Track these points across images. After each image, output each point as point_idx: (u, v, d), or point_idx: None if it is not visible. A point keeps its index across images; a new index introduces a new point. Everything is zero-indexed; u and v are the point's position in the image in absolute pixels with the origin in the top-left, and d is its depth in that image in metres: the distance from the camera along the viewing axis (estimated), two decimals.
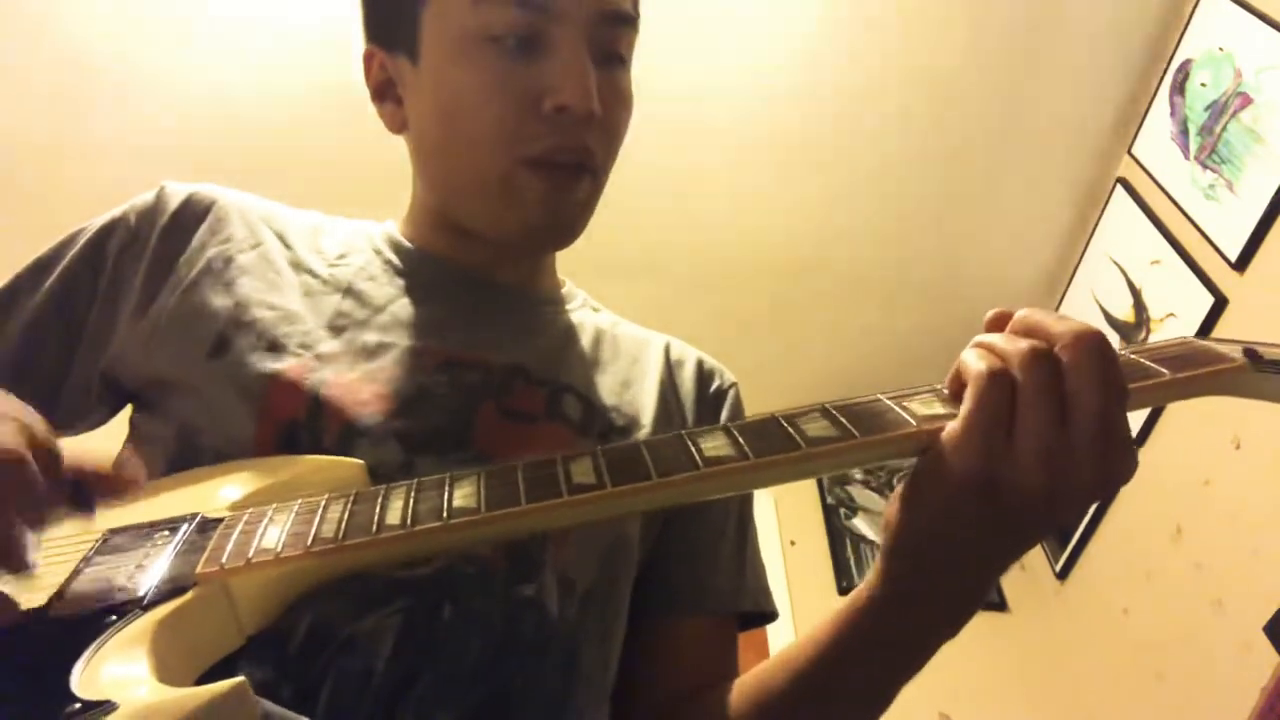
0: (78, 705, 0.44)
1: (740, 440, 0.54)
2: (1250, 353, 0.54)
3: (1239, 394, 0.54)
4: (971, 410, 0.50)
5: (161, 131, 2.24)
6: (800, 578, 2.36)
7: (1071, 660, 2.18)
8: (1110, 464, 0.49)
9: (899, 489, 0.55)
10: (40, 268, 0.77)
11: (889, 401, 0.55)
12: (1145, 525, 2.01)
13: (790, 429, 0.54)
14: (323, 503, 0.56)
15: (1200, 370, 0.54)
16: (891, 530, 0.56)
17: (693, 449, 0.54)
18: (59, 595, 0.53)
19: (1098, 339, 0.49)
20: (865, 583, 0.60)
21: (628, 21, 0.73)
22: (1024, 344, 0.50)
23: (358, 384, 0.69)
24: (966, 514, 0.51)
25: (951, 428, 0.51)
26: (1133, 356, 0.55)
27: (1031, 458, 0.48)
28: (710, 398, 0.84)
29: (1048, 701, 2.16)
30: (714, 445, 0.53)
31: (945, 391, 0.55)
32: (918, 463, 0.53)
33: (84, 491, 0.53)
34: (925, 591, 0.56)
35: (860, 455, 0.54)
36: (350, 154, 1.99)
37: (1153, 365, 0.54)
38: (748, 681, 0.70)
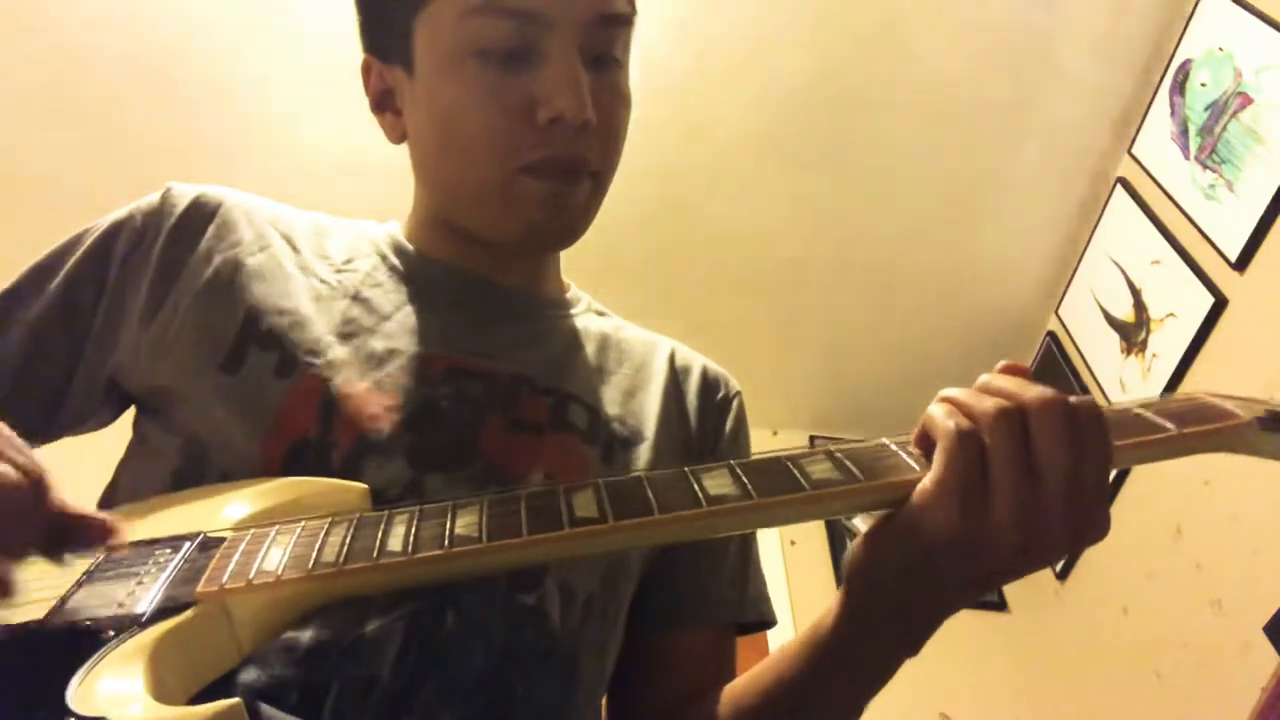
0: None
1: (744, 479, 0.54)
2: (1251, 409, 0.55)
3: (1245, 452, 0.55)
4: (944, 471, 0.50)
5: (162, 130, 2.24)
6: (800, 578, 2.36)
7: (1071, 660, 2.18)
8: (1083, 524, 0.50)
9: (866, 532, 0.56)
10: (44, 270, 0.76)
11: (894, 446, 0.55)
12: (1145, 525, 2.01)
13: (795, 470, 0.54)
14: (325, 526, 0.56)
15: (1206, 426, 0.54)
16: (858, 570, 0.57)
17: (696, 486, 0.54)
18: (58, 609, 0.53)
19: (1062, 402, 0.50)
20: (830, 610, 0.61)
21: (622, 22, 0.72)
22: (990, 403, 0.50)
23: (367, 395, 0.69)
24: (939, 567, 0.52)
25: (924, 486, 0.51)
26: (1138, 411, 0.56)
27: (1006, 519, 0.49)
28: (715, 407, 0.83)
29: (1048, 701, 2.16)
30: (718, 483, 0.54)
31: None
32: (889, 515, 0.54)
33: (59, 533, 0.52)
34: (889, 625, 0.58)
35: (864, 499, 0.54)
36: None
37: (1158, 420, 0.55)
38: (725, 697, 0.72)
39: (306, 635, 0.58)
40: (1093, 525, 0.50)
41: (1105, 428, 0.51)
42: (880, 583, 0.56)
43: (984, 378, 0.53)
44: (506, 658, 0.63)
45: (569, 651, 0.67)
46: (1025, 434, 0.49)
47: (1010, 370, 0.54)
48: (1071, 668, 2.17)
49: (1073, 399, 0.51)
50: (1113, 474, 1.91)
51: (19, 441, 0.50)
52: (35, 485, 0.49)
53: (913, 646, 0.58)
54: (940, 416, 0.51)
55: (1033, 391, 0.50)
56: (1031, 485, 0.49)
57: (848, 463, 0.54)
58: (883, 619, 0.58)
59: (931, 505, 0.50)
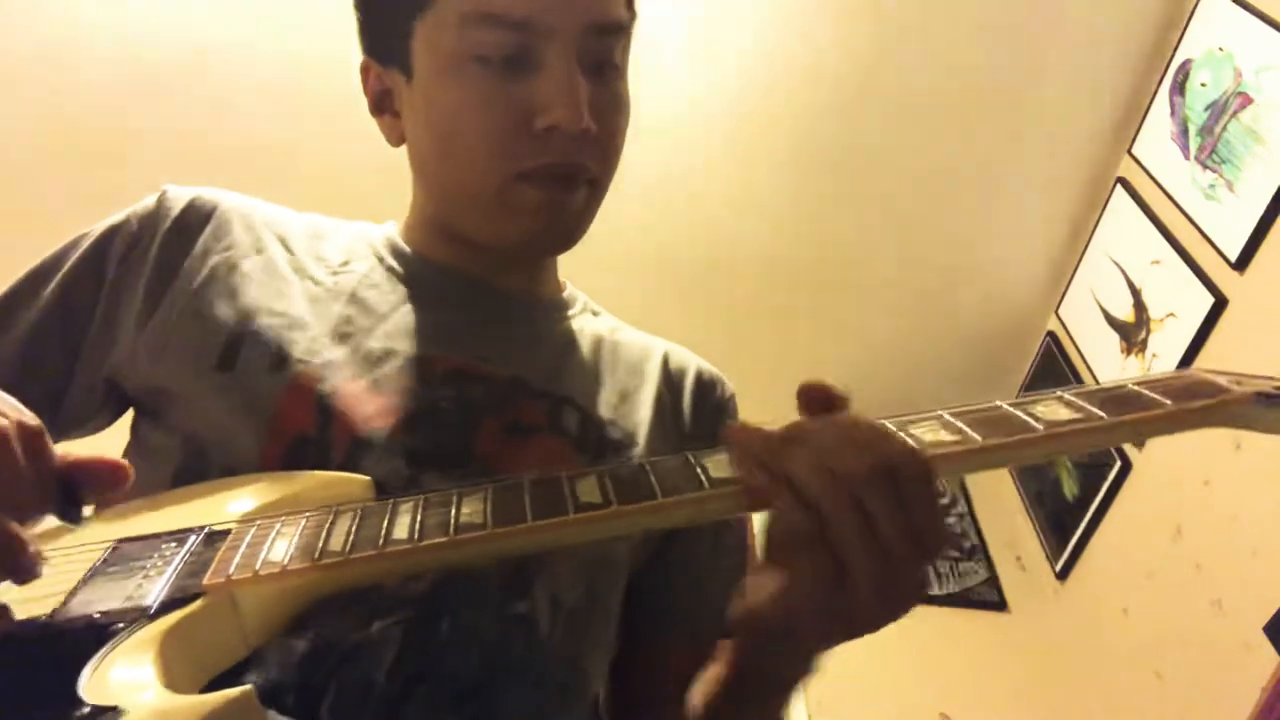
0: (86, 710, 0.44)
1: None
2: (1242, 384, 0.55)
3: (1242, 426, 0.55)
4: (805, 583, 0.51)
5: (161, 130, 2.24)
6: None
7: (1071, 660, 2.18)
8: (928, 559, 0.52)
9: (738, 615, 0.57)
10: (41, 274, 0.77)
11: (892, 426, 0.56)
12: (1145, 525, 2.01)
13: None
14: (330, 516, 0.57)
15: (1203, 401, 0.55)
16: (738, 638, 0.61)
17: (698, 469, 0.54)
18: (67, 602, 0.53)
19: (886, 470, 0.50)
20: (723, 654, 0.66)
21: (621, 29, 0.72)
22: (829, 493, 0.50)
23: (364, 394, 0.70)
24: (809, 644, 0.57)
25: (783, 591, 0.53)
26: (1134, 388, 0.56)
27: (868, 597, 0.50)
28: (709, 409, 0.84)
29: (1048, 701, 2.16)
30: (719, 466, 0.54)
31: (947, 417, 0.56)
32: (754, 612, 0.55)
33: (72, 491, 0.52)
34: (766, 675, 0.63)
35: None
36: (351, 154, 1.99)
37: (1155, 396, 0.55)
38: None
39: (304, 639, 0.58)
40: (937, 553, 0.52)
41: (929, 475, 0.51)
42: (757, 649, 0.61)
43: (791, 431, 0.53)
44: (497, 665, 0.64)
45: (551, 660, 0.68)
46: (866, 516, 0.50)
47: (813, 397, 0.54)
48: (1071, 668, 2.17)
49: (893, 455, 0.51)
50: (1113, 471, 1.90)
51: (7, 396, 0.50)
52: (29, 437, 0.48)
53: (794, 684, 0.62)
54: (788, 515, 0.51)
55: (853, 460, 0.50)
56: (882, 560, 0.50)
57: None
58: (759, 670, 0.62)
59: (793, 609, 0.52)
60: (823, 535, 0.49)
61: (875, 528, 0.49)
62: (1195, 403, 0.55)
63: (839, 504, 0.49)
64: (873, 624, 0.53)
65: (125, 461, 0.54)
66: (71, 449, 0.52)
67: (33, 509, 0.49)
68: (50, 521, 0.55)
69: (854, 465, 0.50)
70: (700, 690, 0.70)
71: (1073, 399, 0.56)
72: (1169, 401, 0.55)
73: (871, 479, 0.49)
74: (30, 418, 0.49)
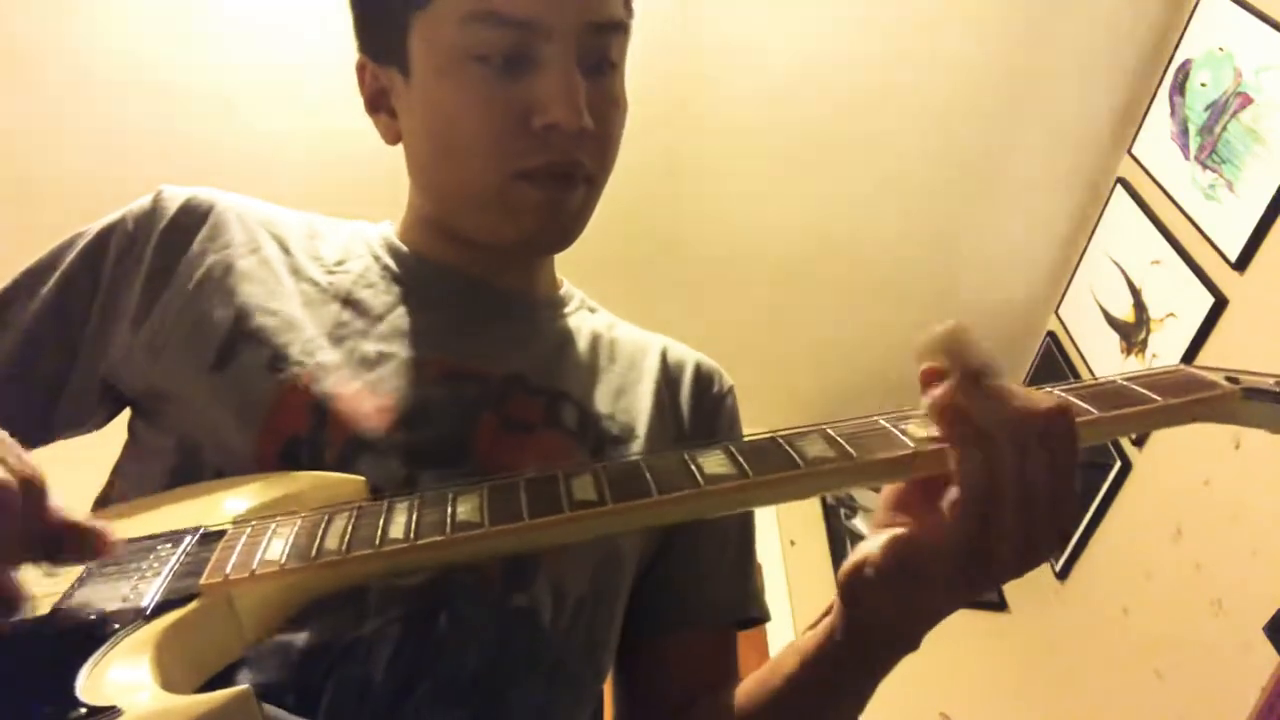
0: (83, 710, 0.44)
1: (740, 459, 0.54)
2: (1233, 380, 0.56)
3: (1229, 421, 0.56)
4: (968, 529, 0.51)
5: (159, 130, 2.24)
6: (800, 578, 2.36)
7: (1071, 660, 2.18)
8: (1067, 526, 0.53)
9: (865, 558, 0.56)
10: (37, 273, 0.77)
11: (886, 423, 0.56)
12: (1145, 525, 2.01)
13: (790, 449, 0.55)
14: (326, 516, 0.56)
15: (1190, 396, 0.55)
16: (857, 589, 0.57)
17: (693, 467, 0.54)
18: (63, 604, 0.53)
19: (1053, 427, 0.50)
20: (829, 621, 0.62)
21: (619, 28, 0.72)
22: (1010, 453, 0.50)
23: (360, 396, 0.69)
24: (945, 601, 0.56)
25: (938, 539, 0.52)
26: (1123, 384, 0.57)
27: (1012, 553, 0.51)
28: (708, 403, 0.84)
29: (1048, 701, 2.16)
30: (714, 464, 0.54)
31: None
32: (898, 558, 0.54)
33: (54, 542, 0.51)
34: (887, 636, 0.60)
35: (858, 476, 0.55)
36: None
37: (1143, 391, 0.56)
38: (737, 698, 0.72)
39: (301, 638, 0.58)
40: (1069, 518, 0.52)
41: (1077, 441, 0.52)
42: (879, 603, 0.57)
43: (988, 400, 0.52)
44: (498, 660, 0.64)
45: (559, 653, 0.68)
46: (1024, 472, 0.50)
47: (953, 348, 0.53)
48: (1071, 668, 2.18)
49: (1045, 408, 0.51)
50: (1113, 471, 1.90)
51: (14, 444, 0.49)
52: (31, 491, 0.48)
53: (910, 648, 0.60)
54: (973, 464, 0.51)
55: (1029, 419, 0.50)
56: (1029, 518, 0.50)
57: (841, 440, 0.55)
58: (880, 632, 0.59)
59: (947, 557, 0.52)
60: (992, 486, 0.50)
61: (1028, 485, 0.50)
62: (1185, 398, 0.55)
63: (1012, 460, 0.50)
64: (1004, 575, 0.53)
65: (112, 532, 0.52)
66: (65, 503, 0.51)
67: (19, 560, 0.49)
68: None
69: (1031, 424, 0.50)
70: (774, 677, 0.68)
71: (1063, 395, 0.56)
72: (1158, 397, 0.55)
73: (1038, 437, 0.50)
74: (34, 471, 0.49)
